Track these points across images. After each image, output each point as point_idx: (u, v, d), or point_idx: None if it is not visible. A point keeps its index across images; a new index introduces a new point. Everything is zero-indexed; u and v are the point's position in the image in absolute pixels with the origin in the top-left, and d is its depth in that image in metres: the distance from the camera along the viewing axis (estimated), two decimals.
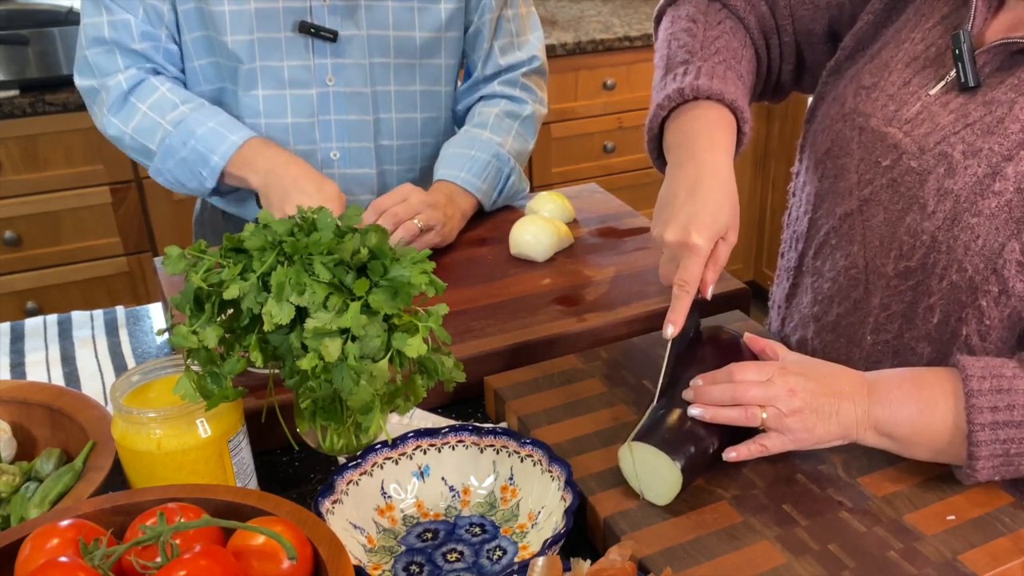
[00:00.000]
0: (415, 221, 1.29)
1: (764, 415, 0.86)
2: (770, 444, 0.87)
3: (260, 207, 1.40)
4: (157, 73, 1.36)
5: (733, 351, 0.94)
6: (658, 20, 1.17)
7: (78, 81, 1.37)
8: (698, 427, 0.87)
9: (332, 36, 1.33)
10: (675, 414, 0.88)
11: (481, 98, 1.51)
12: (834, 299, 1.05)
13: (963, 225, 0.89)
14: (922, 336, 0.95)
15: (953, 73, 0.94)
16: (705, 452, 0.86)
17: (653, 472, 0.85)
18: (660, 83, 1.05)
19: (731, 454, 0.87)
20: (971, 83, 0.92)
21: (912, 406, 0.86)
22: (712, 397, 0.87)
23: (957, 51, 0.92)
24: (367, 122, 1.41)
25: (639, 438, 0.87)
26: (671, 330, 0.91)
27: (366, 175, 1.44)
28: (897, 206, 0.95)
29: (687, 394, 0.89)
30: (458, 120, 1.55)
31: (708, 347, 0.95)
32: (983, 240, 0.88)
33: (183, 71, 1.39)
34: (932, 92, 0.96)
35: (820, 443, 0.88)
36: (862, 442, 0.88)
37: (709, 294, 0.94)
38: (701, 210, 0.91)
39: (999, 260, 0.87)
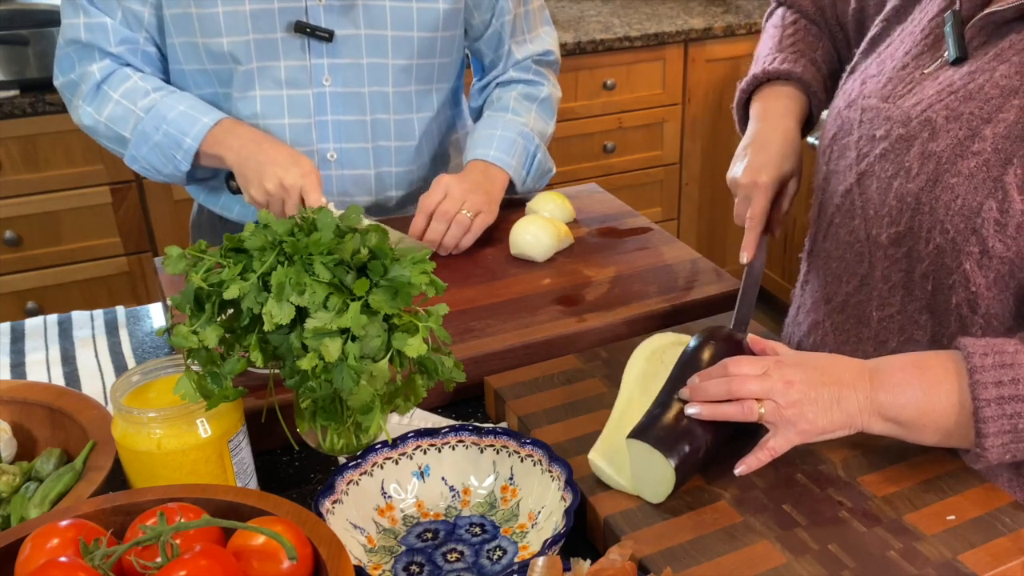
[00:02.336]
0: (464, 212, 1.30)
1: (762, 410, 0.85)
2: (776, 445, 0.86)
3: (231, 188, 1.40)
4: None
5: (736, 350, 0.94)
6: (762, 35, 1.36)
7: (57, 80, 1.37)
8: (694, 425, 0.87)
9: (328, 36, 1.32)
10: (671, 412, 0.88)
11: (497, 85, 1.52)
12: (842, 277, 1.06)
13: (944, 185, 0.91)
14: (923, 307, 0.96)
15: (946, 52, 0.98)
16: (699, 450, 0.86)
17: (648, 470, 0.85)
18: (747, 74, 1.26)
19: (739, 468, 0.86)
20: (957, 54, 0.95)
21: (916, 388, 0.86)
22: (708, 392, 0.87)
23: (947, 28, 0.97)
24: (364, 122, 1.41)
25: (634, 435, 0.87)
26: (745, 256, 1.08)
27: (363, 176, 1.44)
28: (887, 173, 0.98)
29: (683, 392, 0.89)
30: (475, 115, 1.56)
31: (710, 347, 0.95)
32: (962, 200, 0.89)
33: (166, 71, 1.39)
34: (927, 71, 0.99)
35: (825, 434, 0.87)
36: (868, 430, 0.87)
37: (777, 232, 1.12)
38: (770, 157, 1.10)
39: (977, 219, 0.88)
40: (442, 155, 1.55)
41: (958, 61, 0.96)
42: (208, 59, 1.33)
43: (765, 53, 1.25)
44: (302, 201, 1.25)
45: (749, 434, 0.89)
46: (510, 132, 1.44)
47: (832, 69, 1.24)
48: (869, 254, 1.01)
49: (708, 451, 0.87)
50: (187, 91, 1.37)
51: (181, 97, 1.33)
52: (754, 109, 1.19)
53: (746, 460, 0.87)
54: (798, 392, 0.86)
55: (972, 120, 0.91)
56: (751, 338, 0.96)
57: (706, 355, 0.94)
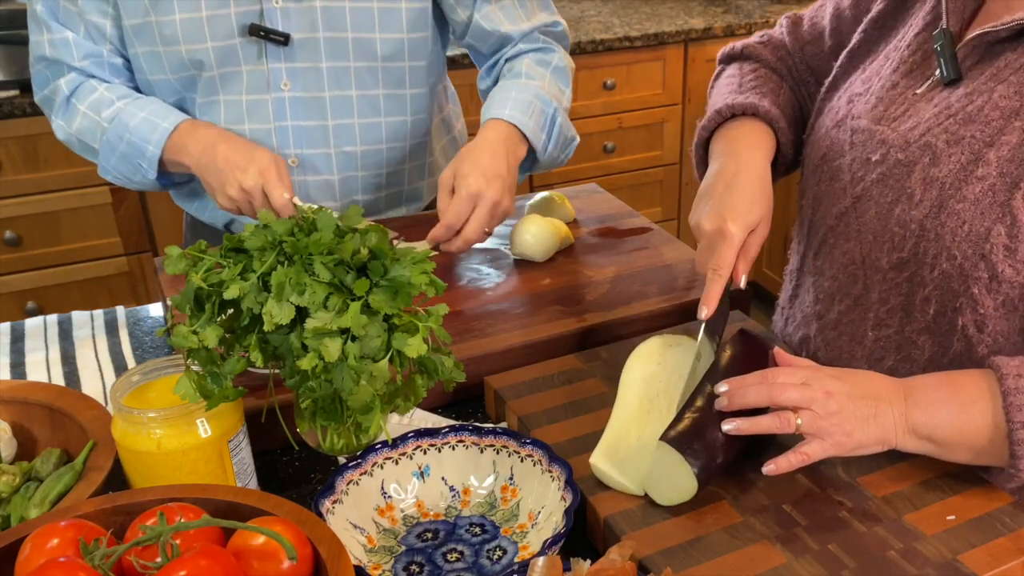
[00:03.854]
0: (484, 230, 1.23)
1: (799, 421, 0.85)
2: (811, 451, 0.85)
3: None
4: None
5: (762, 352, 0.94)
6: (710, 92, 1.27)
7: (36, 97, 1.37)
8: (726, 439, 0.86)
9: (283, 39, 1.29)
10: (709, 424, 0.86)
11: (506, 60, 1.45)
12: (835, 296, 1.05)
13: (949, 211, 0.90)
14: (922, 329, 0.96)
15: (938, 72, 0.97)
16: (723, 464, 0.86)
17: (670, 475, 0.85)
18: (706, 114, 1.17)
19: (769, 467, 0.85)
20: (951, 76, 0.94)
21: (950, 407, 0.86)
22: (747, 400, 0.86)
23: (938, 48, 0.96)
24: (325, 127, 1.38)
25: (672, 443, 0.85)
26: (704, 312, 0.97)
27: (326, 182, 1.41)
28: (887, 199, 0.97)
29: (720, 402, 0.87)
30: (485, 97, 1.46)
31: (739, 347, 0.95)
32: (969, 225, 0.89)
33: (135, 81, 1.37)
34: (919, 91, 0.98)
35: (859, 448, 0.86)
36: (901, 447, 0.87)
37: (743, 283, 1.00)
38: (737, 201, 0.99)
39: (986, 245, 0.88)
40: (420, 161, 1.51)
41: (952, 82, 0.94)
42: (170, 68, 1.31)
43: (724, 95, 1.17)
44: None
45: (766, 439, 0.89)
46: (525, 94, 1.33)
47: (794, 116, 1.17)
48: (865, 276, 1.00)
49: (729, 463, 0.87)
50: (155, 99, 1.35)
51: (143, 104, 1.31)
52: (717, 146, 1.10)
53: (777, 461, 0.85)
54: (837, 404, 0.85)
55: (974, 144, 0.90)
56: (778, 352, 0.94)
57: (736, 357, 0.93)
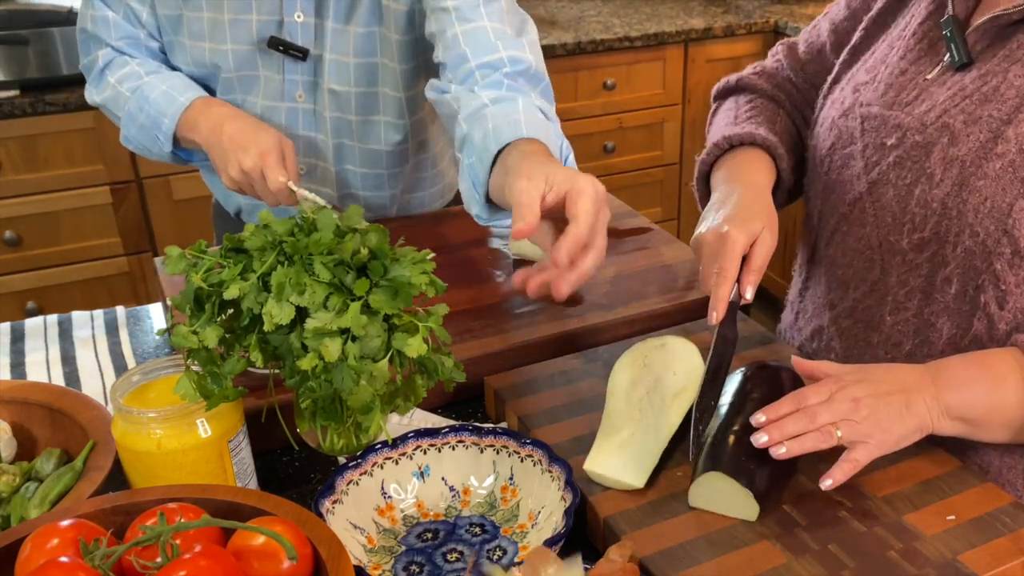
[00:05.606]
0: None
1: (839, 433, 0.84)
2: (859, 456, 0.85)
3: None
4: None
5: (775, 381, 0.93)
6: (708, 129, 1.26)
7: (80, 63, 1.41)
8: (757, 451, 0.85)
9: (302, 54, 1.30)
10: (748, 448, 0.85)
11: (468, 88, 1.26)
12: (849, 284, 1.06)
13: (971, 189, 0.91)
14: (941, 310, 0.96)
15: (948, 57, 0.98)
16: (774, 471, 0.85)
17: (729, 499, 0.84)
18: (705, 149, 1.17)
19: (826, 483, 0.84)
20: (963, 60, 0.96)
21: (981, 385, 0.87)
22: (787, 431, 0.84)
23: (947, 34, 0.97)
24: (327, 144, 1.38)
25: (714, 469, 0.84)
26: (714, 316, 0.93)
27: (327, 196, 1.41)
28: (906, 181, 0.98)
29: (758, 438, 0.85)
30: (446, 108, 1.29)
31: (752, 382, 0.94)
32: (991, 201, 0.90)
33: (170, 63, 1.39)
34: (929, 76, 1.00)
35: (902, 441, 0.86)
36: (938, 432, 0.87)
37: (749, 294, 0.96)
38: (737, 212, 0.99)
39: (1009, 220, 0.89)
40: (413, 180, 1.49)
41: (964, 66, 0.96)
42: (194, 63, 1.33)
43: (722, 127, 1.17)
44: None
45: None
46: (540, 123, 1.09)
47: (792, 143, 1.18)
48: (882, 260, 1.01)
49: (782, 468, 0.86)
50: None
51: (165, 77, 1.33)
52: (717, 176, 1.11)
53: (832, 474, 0.84)
54: (867, 408, 0.85)
55: (992, 122, 0.91)
56: (796, 360, 0.94)
57: (750, 391, 0.92)
